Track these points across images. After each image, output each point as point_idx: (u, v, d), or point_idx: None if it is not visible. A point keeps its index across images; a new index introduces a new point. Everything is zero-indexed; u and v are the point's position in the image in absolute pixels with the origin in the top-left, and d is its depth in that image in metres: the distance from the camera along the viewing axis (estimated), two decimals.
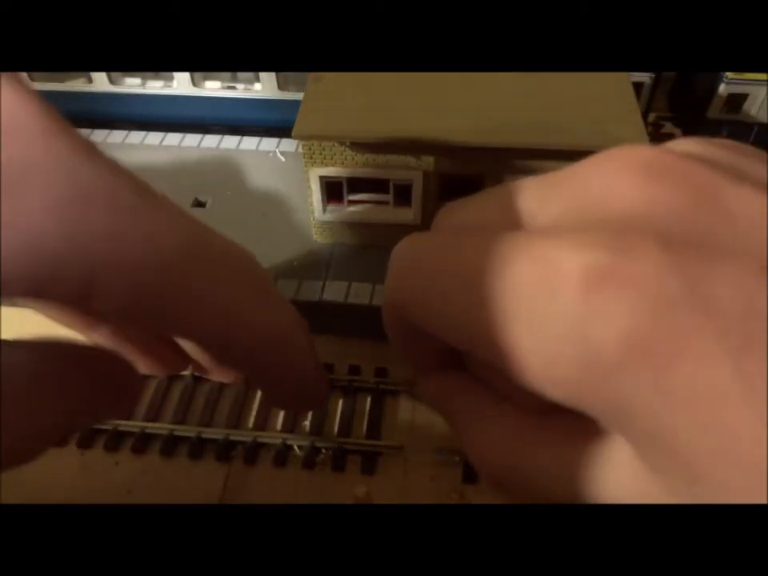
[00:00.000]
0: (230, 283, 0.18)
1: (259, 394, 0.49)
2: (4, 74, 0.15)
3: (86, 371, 0.18)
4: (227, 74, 0.62)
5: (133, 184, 0.17)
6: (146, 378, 0.49)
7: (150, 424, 0.47)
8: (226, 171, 0.59)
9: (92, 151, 0.16)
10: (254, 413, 0.48)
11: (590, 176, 0.15)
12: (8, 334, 0.17)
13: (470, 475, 0.44)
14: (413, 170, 0.47)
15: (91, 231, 0.15)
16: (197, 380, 0.49)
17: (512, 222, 0.16)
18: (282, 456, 0.45)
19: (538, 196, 0.16)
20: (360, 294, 0.49)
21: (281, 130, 0.60)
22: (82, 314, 0.22)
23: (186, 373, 0.48)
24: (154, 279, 0.16)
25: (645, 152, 0.15)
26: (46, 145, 0.15)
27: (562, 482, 0.16)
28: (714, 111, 0.58)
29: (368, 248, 0.52)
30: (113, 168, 0.17)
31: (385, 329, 0.21)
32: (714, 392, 0.11)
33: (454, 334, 0.16)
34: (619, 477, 0.14)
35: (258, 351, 0.20)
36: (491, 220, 0.17)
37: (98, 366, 0.19)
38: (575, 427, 0.15)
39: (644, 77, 0.57)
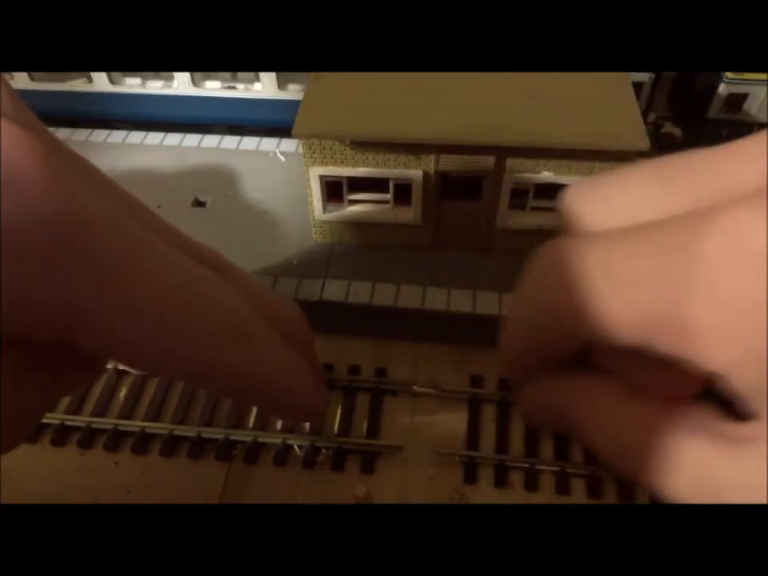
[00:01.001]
0: (202, 330, 0.19)
1: None
2: (5, 123, 0.15)
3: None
4: (227, 74, 0.62)
5: (123, 225, 0.17)
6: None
7: (150, 424, 0.47)
8: (226, 171, 0.59)
9: (87, 198, 0.16)
10: (254, 413, 0.48)
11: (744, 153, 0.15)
12: None
13: (470, 475, 0.44)
14: (413, 169, 0.47)
15: (75, 292, 0.15)
16: None
17: (672, 209, 0.15)
18: (282, 456, 0.45)
19: (689, 183, 0.16)
20: (360, 293, 0.49)
21: (281, 130, 0.60)
22: None
23: None
24: (129, 332, 0.17)
25: None
26: (43, 205, 0.15)
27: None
28: (714, 111, 0.58)
29: (368, 247, 0.52)
30: (109, 215, 0.17)
31: (513, 336, 0.19)
32: None
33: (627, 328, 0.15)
34: None
35: (235, 390, 0.20)
36: (647, 209, 0.16)
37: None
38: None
39: (644, 77, 0.57)
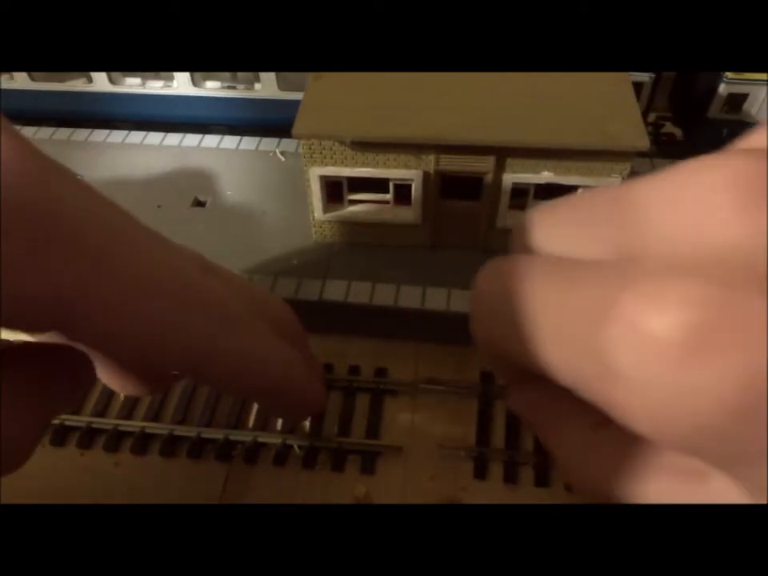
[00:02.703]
0: (202, 315, 0.19)
1: None
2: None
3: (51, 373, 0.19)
4: (227, 74, 0.62)
5: (101, 214, 0.18)
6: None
7: (150, 424, 0.47)
8: (226, 171, 0.59)
9: (63, 187, 0.17)
10: (254, 413, 0.48)
11: (682, 195, 0.14)
12: None
13: (474, 473, 0.44)
14: (413, 169, 0.47)
15: (62, 280, 0.16)
16: None
17: (605, 251, 0.15)
18: (282, 456, 0.45)
19: (619, 222, 0.15)
20: (360, 293, 0.49)
21: (281, 130, 0.60)
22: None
23: None
24: (131, 319, 0.17)
25: (744, 168, 0.13)
26: (19, 193, 0.15)
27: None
28: (714, 111, 0.58)
29: (368, 247, 0.52)
30: (96, 207, 0.17)
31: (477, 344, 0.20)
32: None
33: (545, 370, 0.16)
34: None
35: (231, 378, 0.21)
36: (578, 247, 0.16)
37: (57, 365, 0.20)
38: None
39: (644, 77, 0.57)
